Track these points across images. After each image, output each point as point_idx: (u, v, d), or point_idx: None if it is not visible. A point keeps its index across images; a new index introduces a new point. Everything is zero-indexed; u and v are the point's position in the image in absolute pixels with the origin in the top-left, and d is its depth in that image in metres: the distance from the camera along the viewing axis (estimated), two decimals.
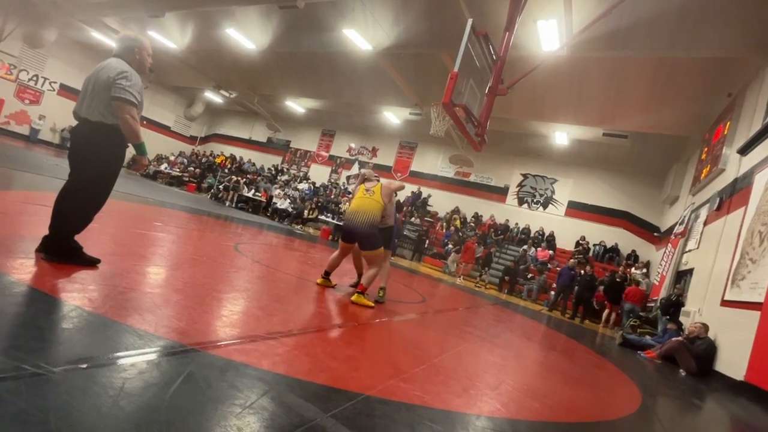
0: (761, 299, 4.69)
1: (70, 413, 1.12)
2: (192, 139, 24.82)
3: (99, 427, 1.09)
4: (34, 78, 17.76)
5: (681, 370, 5.42)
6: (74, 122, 2.61)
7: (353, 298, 3.80)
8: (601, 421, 2.57)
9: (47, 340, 1.51)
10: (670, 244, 9.68)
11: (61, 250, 2.47)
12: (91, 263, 2.56)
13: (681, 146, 11.38)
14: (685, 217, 9.17)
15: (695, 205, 8.81)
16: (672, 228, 10.29)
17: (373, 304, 3.85)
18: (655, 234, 12.70)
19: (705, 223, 7.71)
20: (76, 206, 2.50)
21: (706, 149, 8.89)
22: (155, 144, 21.60)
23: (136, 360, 1.53)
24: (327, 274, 4.25)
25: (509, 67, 5.97)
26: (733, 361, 4.94)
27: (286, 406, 1.50)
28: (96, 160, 2.50)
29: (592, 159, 14.45)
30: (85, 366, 1.38)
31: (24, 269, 2.22)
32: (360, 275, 4.54)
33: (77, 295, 2.04)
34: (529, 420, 2.13)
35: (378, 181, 4.28)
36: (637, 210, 13.72)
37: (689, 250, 8.37)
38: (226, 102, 20.94)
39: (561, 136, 13.11)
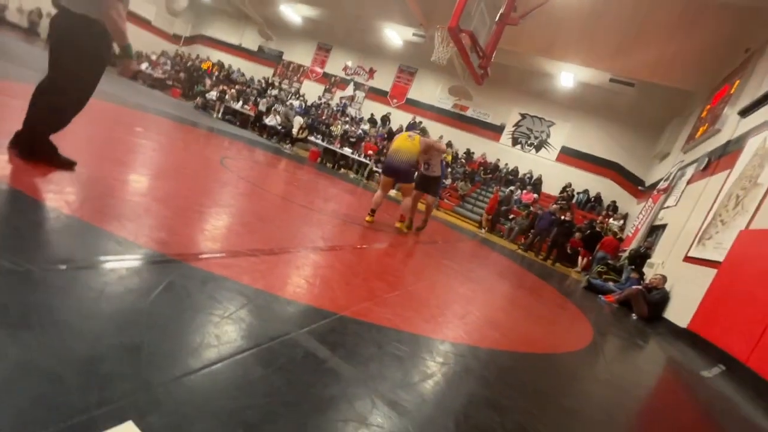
0: (721, 259, 4.98)
1: (51, 311, 1.16)
2: (176, 38, 22.80)
3: (81, 325, 1.14)
4: None
5: (633, 315, 5.90)
6: (45, 5, 2.36)
7: (397, 224, 5.03)
8: (553, 353, 2.83)
9: (25, 240, 1.51)
10: (651, 199, 9.93)
11: (36, 149, 2.35)
12: (68, 165, 2.46)
13: (684, 101, 11.11)
14: (671, 174, 9.28)
15: (684, 163, 8.88)
16: (656, 184, 10.46)
17: (406, 231, 5.10)
18: (639, 188, 12.93)
19: (689, 182, 7.85)
20: (55, 104, 2.34)
21: (708, 107, 8.72)
22: (135, 41, 19.65)
23: (116, 266, 1.56)
24: (373, 212, 4.85)
25: None
26: (680, 311, 5.38)
27: (262, 319, 1.59)
28: (77, 57, 2.30)
29: (594, 105, 14.07)
30: (64, 267, 1.40)
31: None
32: (410, 218, 5.35)
33: (53, 196, 2.00)
34: (488, 348, 2.33)
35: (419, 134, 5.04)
36: (628, 162, 13.78)
37: (667, 207, 8.62)
38: None
39: (567, 77, 12.57)
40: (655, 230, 8.79)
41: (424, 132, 5.20)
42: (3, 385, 0.86)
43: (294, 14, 17.41)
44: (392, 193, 8.46)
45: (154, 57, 19.68)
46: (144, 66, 17.86)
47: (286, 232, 3.15)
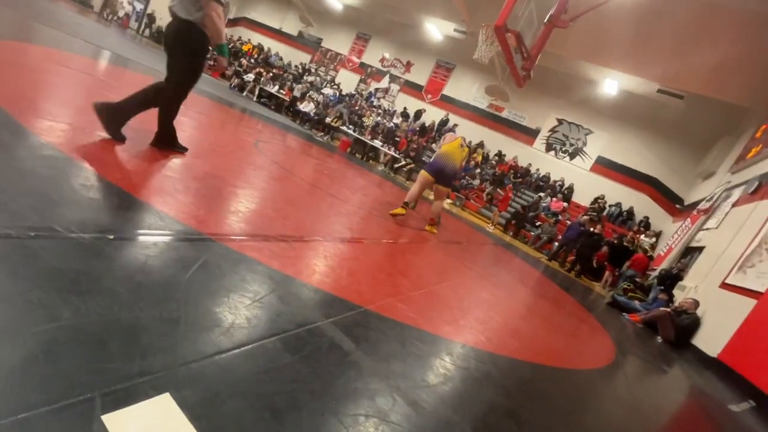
0: (763, 289, 4.72)
1: (98, 278, 1.21)
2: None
3: (125, 294, 1.19)
4: None
5: (658, 337, 5.68)
6: None
7: (427, 228, 5.00)
8: (573, 369, 2.76)
9: (78, 208, 1.59)
10: (689, 219, 9.48)
11: (166, 140, 2.90)
12: (182, 150, 2.99)
13: (737, 118, 10.48)
14: (715, 194, 8.82)
15: (731, 184, 8.41)
16: (697, 203, 9.97)
17: (436, 232, 5.06)
18: (677, 206, 12.36)
19: (734, 205, 7.44)
20: (174, 98, 2.79)
21: (764, 127, 8.20)
22: None
23: (158, 240, 1.62)
24: (406, 204, 4.86)
25: None
26: (711, 339, 5.13)
27: (290, 306, 1.61)
28: (184, 56, 2.69)
29: (636, 116, 13.47)
30: (111, 237, 1.47)
31: (57, 136, 2.25)
32: (415, 201, 5.31)
33: (102, 167, 2.09)
34: (508, 356, 2.29)
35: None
36: (667, 179, 13.16)
37: (707, 228, 8.21)
38: None
39: (611, 84, 12.09)
40: (690, 252, 8.40)
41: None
42: (56, 346, 0.91)
43: (336, 1, 17.44)
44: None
45: None
46: None
47: (315, 219, 3.19)
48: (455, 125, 16.19)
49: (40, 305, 1.00)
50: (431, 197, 5.02)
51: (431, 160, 5.13)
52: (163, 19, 19.17)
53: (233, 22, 23.41)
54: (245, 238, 2.08)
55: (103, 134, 2.55)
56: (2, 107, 2.23)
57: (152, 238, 1.61)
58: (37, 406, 0.77)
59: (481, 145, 15.99)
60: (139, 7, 19.03)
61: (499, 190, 13.51)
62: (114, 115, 2.55)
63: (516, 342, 2.63)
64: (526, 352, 2.56)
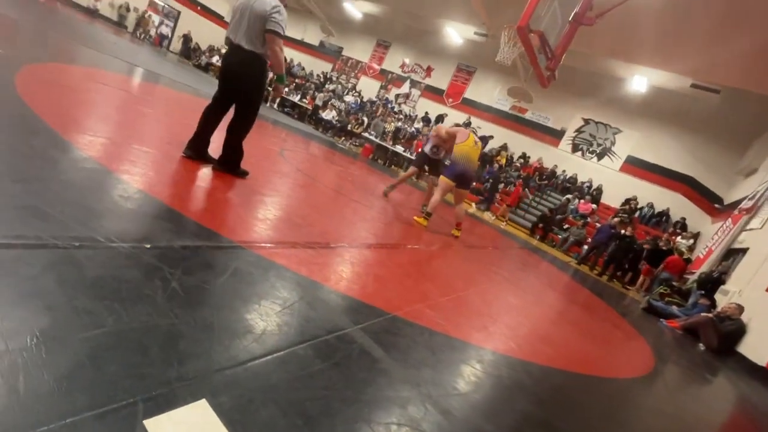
0: None
1: (137, 285, 1.26)
2: None
3: (162, 302, 1.23)
4: None
5: (700, 345, 5.38)
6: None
7: (453, 232, 4.94)
8: (609, 377, 2.65)
9: (117, 219, 1.66)
10: (730, 219, 8.98)
11: (233, 164, 3.02)
12: (244, 174, 3.09)
13: None
14: (758, 192, 8.33)
15: None
16: (738, 202, 9.44)
17: (459, 234, 4.99)
18: (716, 206, 11.73)
19: None
20: (244, 127, 2.99)
21: None
22: (208, 34, 21.20)
23: (191, 248, 1.67)
24: (429, 215, 4.79)
25: None
26: (759, 347, 4.83)
27: (320, 312, 1.62)
28: (250, 84, 2.87)
29: (668, 113, 12.92)
30: (149, 246, 1.52)
31: (97, 150, 2.37)
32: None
33: (139, 178, 2.18)
34: (540, 364, 2.22)
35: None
36: (704, 177, 12.52)
37: (750, 229, 7.76)
38: None
39: (640, 81, 11.67)
40: (732, 254, 7.95)
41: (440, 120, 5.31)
42: (101, 352, 0.94)
43: (355, 10, 17.67)
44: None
45: (224, 50, 20.87)
46: (215, 59, 19.00)
47: (340, 226, 3.21)
48: (480, 129, 16.03)
49: (85, 312, 1.04)
50: (437, 197, 4.84)
51: (449, 164, 4.91)
52: (198, 38, 19.98)
53: None
54: (274, 245, 2.11)
55: (143, 148, 2.66)
56: (49, 125, 2.36)
57: (186, 246, 1.66)
58: (83, 411, 0.80)
59: (504, 147, 15.74)
60: (169, 26, 19.93)
61: (508, 186, 13.33)
62: (198, 146, 2.88)
63: (548, 349, 2.55)
64: (559, 359, 2.48)
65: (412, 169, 5.73)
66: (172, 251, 1.59)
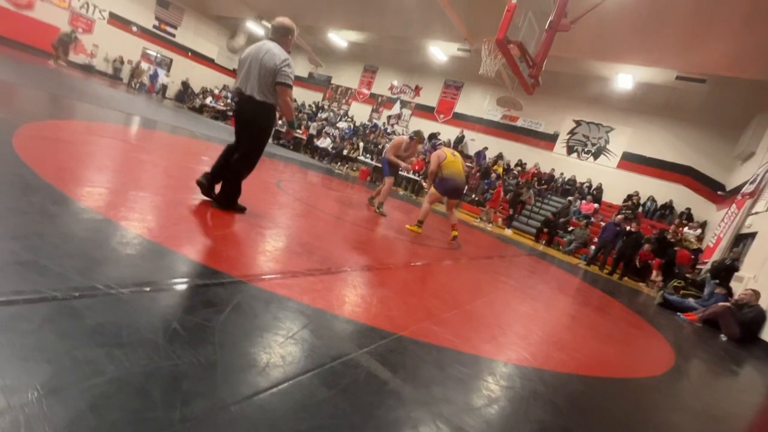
0: None
1: (138, 330, 1.26)
2: (235, 72, 24.66)
3: (163, 344, 1.23)
4: (85, 5, 17.95)
5: (722, 335, 5.25)
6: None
7: (453, 233, 5.28)
8: (630, 378, 2.58)
9: (115, 264, 1.68)
10: (734, 205, 8.91)
11: (230, 200, 3.09)
12: (241, 210, 3.14)
13: None
14: (758, 175, 8.29)
15: None
16: (740, 187, 9.39)
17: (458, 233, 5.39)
18: (719, 193, 11.66)
19: None
20: (247, 167, 3.12)
21: None
22: (200, 77, 21.82)
23: (191, 287, 1.68)
24: (420, 222, 5.15)
25: None
26: None
27: (324, 339, 1.61)
28: (260, 131, 3.06)
29: (658, 106, 13.04)
30: (148, 289, 1.53)
31: (95, 200, 2.41)
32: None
33: (137, 224, 2.21)
34: (555, 371, 2.18)
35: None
36: (703, 165, 12.52)
37: (756, 212, 7.68)
38: (267, 33, 20.38)
39: (625, 79, 11.83)
40: (742, 239, 7.84)
41: (418, 134, 5.90)
42: (101, 400, 0.94)
43: (340, 40, 18.19)
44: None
45: (216, 91, 21.43)
46: (209, 101, 19.49)
47: (340, 251, 3.21)
48: (474, 140, 16.21)
49: (85, 361, 1.05)
50: (421, 203, 5.05)
51: (441, 180, 5.19)
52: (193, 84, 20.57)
53: None
54: (275, 276, 2.12)
55: (141, 193, 2.70)
56: (47, 180, 2.42)
57: (186, 286, 1.66)
58: None
59: (500, 156, 15.85)
60: (162, 74, 20.56)
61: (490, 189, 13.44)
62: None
63: (562, 354, 2.50)
64: (575, 364, 2.43)
65: (389, 180, 5.99)
66: (172, 292, 1.60)
